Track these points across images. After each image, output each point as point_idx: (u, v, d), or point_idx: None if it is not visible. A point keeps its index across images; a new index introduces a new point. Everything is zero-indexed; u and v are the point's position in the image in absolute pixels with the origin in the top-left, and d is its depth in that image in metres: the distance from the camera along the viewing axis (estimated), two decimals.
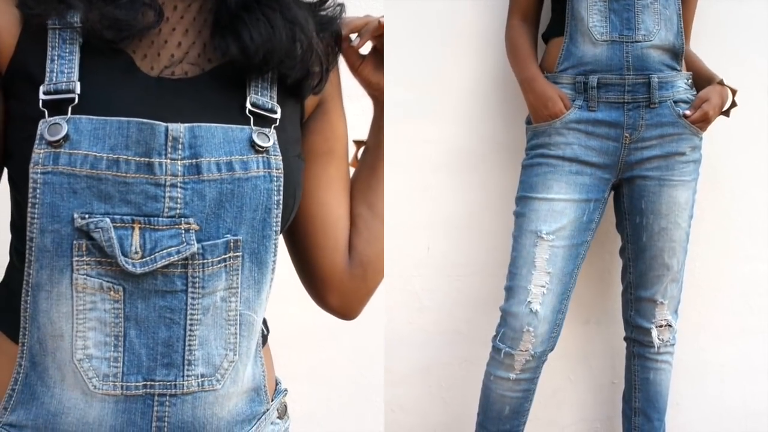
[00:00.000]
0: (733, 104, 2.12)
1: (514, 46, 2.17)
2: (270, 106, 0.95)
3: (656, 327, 2.18)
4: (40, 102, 0.86)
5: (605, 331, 2.39)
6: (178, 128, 0.87)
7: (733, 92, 2.11)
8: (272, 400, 1.05)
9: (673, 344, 2.21)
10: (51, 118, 0.85)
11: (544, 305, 2.02)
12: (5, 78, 0.89)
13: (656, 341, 2.17)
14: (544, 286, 2.02)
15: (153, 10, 0.90)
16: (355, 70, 1.16)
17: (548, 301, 2.03)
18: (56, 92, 0.86)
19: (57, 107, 0.86)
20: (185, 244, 0.87)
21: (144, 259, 0.86)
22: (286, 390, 1.11)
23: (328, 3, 1.07)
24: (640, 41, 2.04)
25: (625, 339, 2.27)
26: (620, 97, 2.05)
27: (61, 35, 0.88)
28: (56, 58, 0.87)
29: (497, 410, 2.11)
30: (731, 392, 2.46)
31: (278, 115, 0.96)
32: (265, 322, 1.09)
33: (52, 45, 0.88)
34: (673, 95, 2.06)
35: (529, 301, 2.02)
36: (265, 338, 1.08)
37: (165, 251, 0.87)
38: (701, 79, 2.14)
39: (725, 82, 2.09)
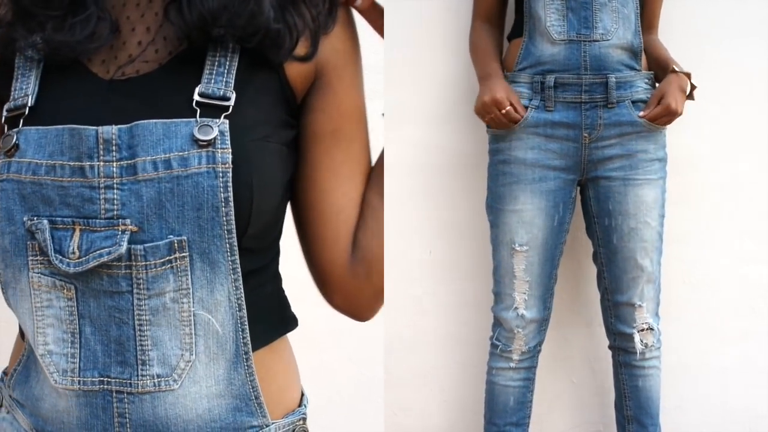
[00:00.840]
0: (693, 87, 2.08)
1: (475, 45, 2.17)
2: (221, 93, 0.91)
3: (638, 331, 2.15)
4: (3, 117, 0.93)
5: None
6: (110, 130, 0.88)
7: (688, 76, 2.07)
8: (282, 419, 1.02)
9: (659, 347, 2.19)
10: (8, 132, 0.91)
11: (529, 309, 2.12)
12: None
13: (639, 346, 2.15)
14: (525, 293, 2.11)
15: (106, 22, 0.92)
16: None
17: (532, 304, 2.12)
18: (15, 108, 0.92)
19: (15, 122, 0.92)
20: (116, 245, 0.87)
21: (79, 260, 0.87)
22: (304, 414, 1.05)
23: None
24: (598, 40, 2.03)
25: (610, 348, 2.25)
26: (577, 96, 2.04)
27: (24, 56, 0.94)
28: (19, 77, 0.93)
29: (502, 402, 2.19)
30: (733, 394, 2.46)
31: (231, 102, 0.91)
32: (283, 320, 1.09)
33: (18, 66, 0.94)
34: (631, 95, 2.06)
35: (515, 308, 2.12)
36: (268, 341, 1.02)
37: (98, 252, 0.87)
38: (659, 68, 2.13)
39: (678, 69, 2.06)
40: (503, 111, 2.00)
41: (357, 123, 1.03)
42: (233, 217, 0.89)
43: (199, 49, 0.93)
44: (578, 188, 2.15)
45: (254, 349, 0.96)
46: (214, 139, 0.88)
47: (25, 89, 0.93)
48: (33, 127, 0.90)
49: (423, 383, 2.37)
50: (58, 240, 0.88)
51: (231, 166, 0.88)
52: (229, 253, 0.90)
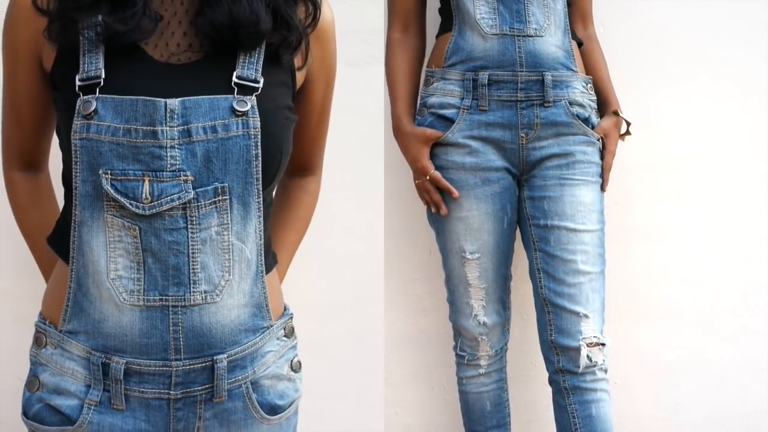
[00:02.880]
0: (627, 133, 2.07)
1: (390, 69, 2.04)
2: (253, 77, 1.17)
3: (586, 345, 1.90)
4: (77, 86, 1.12)
5: (604, 331, 2.40)
6: (174, 102, 1.12)
7: (628, 124, 2.06)
8: (278, 320, 1.29)
9: (606, 370, 1.94)
10: (85, 97, 1.12)
11: (489, 315, 2.05)
12: (52, 76, 1.18)
13: (584, 361, 1.89)
14: (482, 299, 2.04)
15: (150, 18, 1.14)
16: None
17: (492, 310, 2.05)
18: (87, 79, 1.13)
19: (88, 90, 1.13)
20: (184, 191, 1.13)
21: (152, 203, 1.12)
22: (292, 314, 1.34)
23: None
24: (531, 36, 1.93)
25: (550, 382, 1.99)
26: (513, 95, 1.94)
27: (88, 37, 1.14)
28: (86, 53, 1.14)
29: (479, 409, 2.15)
30: (732, 391, 2.47)
31: (260, 85, 1.17)
32: (274, 255, 1.32)
33: (83, 45, 1.14)
34: (567, 95, 1.97)
35: (475, 315, 2.05)
36: (270, 268, 1.28)
37: (169, 197, 1.12)
38: (599, 94, 2.07)
39: (619, 112, 2.05)
40: (429, 194, 1.98)
41: (319, 114, 1.41)
42: (261, 169, 1.16)
43: (230, 46, 1.18)
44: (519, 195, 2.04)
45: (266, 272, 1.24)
46: (248, 110, 1.15)
47: (96, 64, 1.13)
48: (109, 96, 1.11)
49: (423, 382, 2.38)
50: (131, 189, 1.11)
51: (260, 130, 1.15)
52: (257, 196, 1.17)
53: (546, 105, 1.95)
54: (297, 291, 1.93)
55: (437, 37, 2.07)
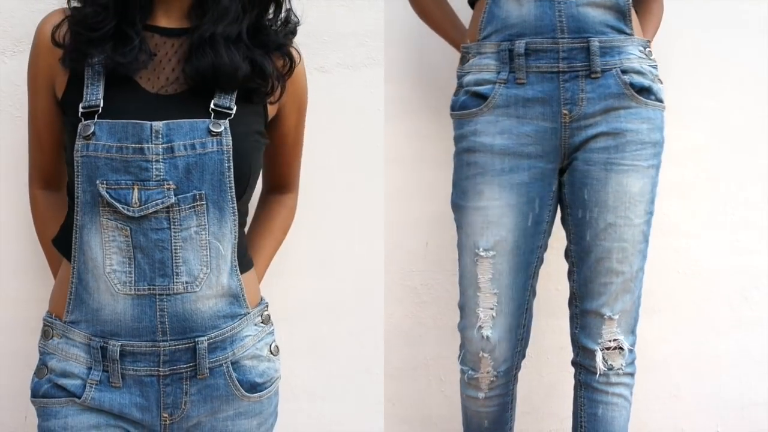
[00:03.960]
0: None
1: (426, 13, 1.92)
2: (227, 105, 1.38)
3: (602, 349, 1.81)
4: (80, 113, 1.34)
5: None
6: (158, 124, 1.32)
7: None
8: (254, 308, 1.48)
9: (632, 374, 1.86)
10: (85, 122, 1.33)
11: (495, 329, 1.80)
12: (63, 103, 1.40)
13: (600, 367, 1.81)
14: (492, 309, 1.79)
15: (145, 54, 1.36)
16: None
17: (500, 323, 1.80)
18: (89, 107, 1.35)
19: (89, 116, 1.34)
20: (167, 197, 1.33)
21: (141, 207, 1.32)
22: (267, 303, 1.53)
23: (281, 29, 1.48)
24: None
25: (572, 364, 1.94)
26: (554, 65, 1.72)
27: (92, 71, 1.36)
28: (89, 85, 1.36)
29: (477, 424, 1.96)
30: (729, 384, 2.47)
31: (233, 112, 1.38)
32: (248, 259, 1.53)
33: (87, 77, 1.36)
34: (620, 62, 1.73)
35: (479, 327, 1.81)
36: (246, 268, 1.48)
37: (154, 202, 1.33)
38: None
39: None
40: None
41: (293, 139, 1.62)
42: (233, 179, 1.36)
43: (209, 86, 1.39)
44: (560, 179, 1.84)
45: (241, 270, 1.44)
46: (222, 131, 1.36)
47: (96, 94, 1.35)
48: (105, 121, 1.33)
49: (422, 374, 2.39)
50: (123, 196, 1.32)
51: (231, 147, 1.36)
52: (230, 202, 1.37)
53: (593, 76, 1.72)
54: (296, 285, 1.93)
55: (472, 6, 1.91)
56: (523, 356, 1.89)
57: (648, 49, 1.79)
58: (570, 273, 1.87)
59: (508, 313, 1.80)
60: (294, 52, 1.49)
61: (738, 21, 2.35)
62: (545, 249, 1.84)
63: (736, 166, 2.40)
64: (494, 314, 1.79)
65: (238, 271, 1.42)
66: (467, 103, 1.80)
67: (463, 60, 1.84)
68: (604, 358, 1.82)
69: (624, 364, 1.83)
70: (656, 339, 2.44)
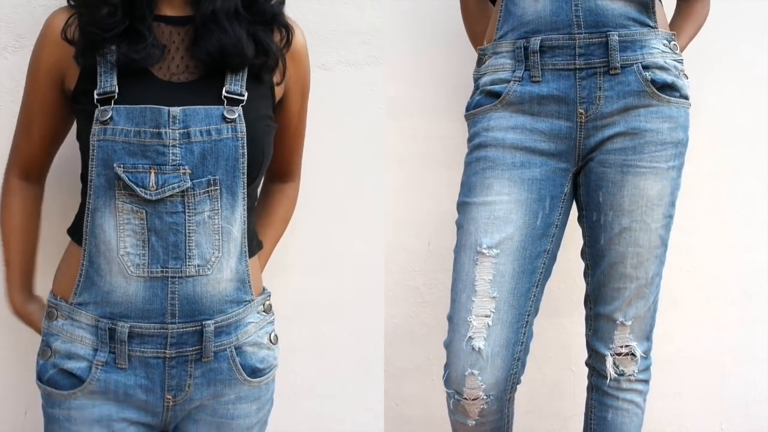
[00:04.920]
0: None
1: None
2: (239, 92, 1.41)
3: (613, 354, 1.75)
4: (95, 99, 1.37)
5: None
6: (176, 110, 1.36)
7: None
8: (258, 296, 1.51)
9: (645, 381, 1.81)
10: (102, 107, 1.36)
11: (490, 340, 1.61)
12: (75, 94, 1.42)
13: (610, 372, 1.74)
14: (488, 316, 1.62)
15: (158, 49, 1.39)
16: None
17: (496, 334, 1.62)
18: (104, 93, 1.37)
19: (105, 102, 1.36)
20: (183, 181, 1.36)
21: (158, 190, 1.35)
22: (269, 293, 1.56)
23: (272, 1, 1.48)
24: None
25: (586, 364, 1.88)
26: (570, 62, 1.64)
27: (105, 61, 1.38)
28: (103, 73, 1.38)
29: None
30: (731, 381, 2.47)
31: (245, 98, 1.41)
32: (259, 243, 1.57)
33: (100, 67, 1.38)
34: (642, 57, 1.64)
35: (470, 337, 1.62)
36: (253, 252, 1.51)
37: (170, 186, 1.36)
38: None
39: None
40: None
41: (296, 122, 1.63)
42: (246, 166, 1.40)
43: (220, 68, 1.42)
44: (572, 181, 1.76)
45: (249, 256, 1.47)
46: (236, 118, 1.38)
47: (111, 81, 1.37)
48: (122, 106, 1.35)
49: (423, 373, 2.38)
50: (141, 179, 1.35)
51: (245, 134, 1.39)
52: (243, 188, 1.41)
53: (612, 72, 1.63)
54: (297, 284, 1.93)
55: (493, 3, 1.86)
56: (519, 381, 1.70)
57: (673, 42, 1.70)
58: (586, 274, 1.81)
59: (506, 324, 1.63)
60: (291, 24, 1.51)
61: (740, 17, 2.35)
62: (553, 260, 1.72)
63: (739, 164, 2.39)
64: (490, 323, 1.61)
65: (248, 256, 1.46)
66: (481, 101, 1.74)
67: (480, 62, 1.78)
68: (615, 364, 1.76)
69: (636, 371, 1.77)
70: (660, 337, 2.42)
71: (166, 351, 1.40)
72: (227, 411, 1.49)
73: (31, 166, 1.56)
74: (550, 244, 1.70)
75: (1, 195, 1.57)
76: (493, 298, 1.62)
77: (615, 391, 1.79)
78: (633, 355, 1.75)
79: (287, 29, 1.50)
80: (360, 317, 2.03)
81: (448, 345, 1.69)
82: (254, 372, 1.49)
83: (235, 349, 1.46)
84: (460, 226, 1.72)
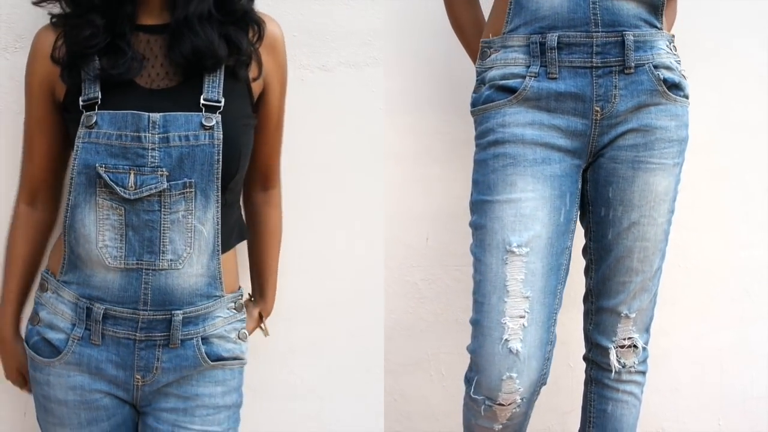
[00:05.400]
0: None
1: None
2: (216, 98, 1.49)
3: (616, 347, 1.78)
4: (81, 105, 1.48)
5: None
6: (155, 116, 1.45)
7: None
8: (229, 294, 1.58)
9: (643, 372, 1.85)
10: (88, 113, 1.47)
11: (526, 342, 1.61)
12: (65, 105, 1.53)
13: (614, 364, 1.78)
14: (523, 317, 1.62)
15: (137, 61, 1.49)
16: None
17: (532, 335, 1.62)
18: (89, 99, 1.48)
19: (90, 108, 1.47)
20: (160, 182, 1.46)
21: (136, 190, 1.45)
22: (242, 293, 1.64)
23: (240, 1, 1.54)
24: None
25: (584, 359, 1.92)
26: (587, 60, 1.65)
27: (89, 74, 1.49)
28: (87, 81, 1.49)
29: None
30: (730, 378, 2.48)
31: (221, 104, 1.49)
32: (230, 242, 1.61)
33: (84, 79, 1.49)
34: (652, 58, 1.67)
35: (506, 340, 1.61)
36: (225, 250, 1.58)
37: (148, 186, 1.45)
38: None
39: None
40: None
41: (276, 119, 1.67)
42: (221, 170, 1.48)
43: (197, 72, 1.50)
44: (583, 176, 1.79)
45: (222, 251, 1.56)
46: (213, 125, 1.47)
47: (94, 89, 1.48)
48: (106, 111, 1.46)
49: (423, 369, 2.39)
50: (120, 179, 1.45)
51: (222, 141, 1.48)
52: (216, 191, 1.49)
53: (627, 72, 1.65)
54: (296, 282, 1.93)
55: None
56: (545, 382, 1.72)
57: (673, 44, 1.74)
58: (587, 270, 1.83)
59: (540, 324, 1.63)
60: (263, 18, 1.57)
61: (740, 14, 2.34)
62: (570, 253, 1.73)
63: (738, 160, 2.39)
64: (525, 323, 1.61)
65: (219, 255, 1.54)
66: (492, 96, 1.71)
67: (484, 55, 1.76)
68: (617, 356, 1.78)
69: (636, 362, 1.80)
70: (657, 333, 2.43)
71: (137, 334, 1.51)
72: (192, 389, 1.58)
73: (37, 187, 1.64)
74: (571, 240, 1.72)
75: (12, 222, 1.67)
76: (527, 297, 1.62)
77: (615, 384, 1.82)
78: (635, 347, 1.78)
79: (258, 24, 1.56)
80: (359, 315, 2.03)
81: (476, 350, 1.67)
82: (219, 359, 1.58)
83: (202, 339, 1.55)
84: (481, 225, 1.69)
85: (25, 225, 1.65)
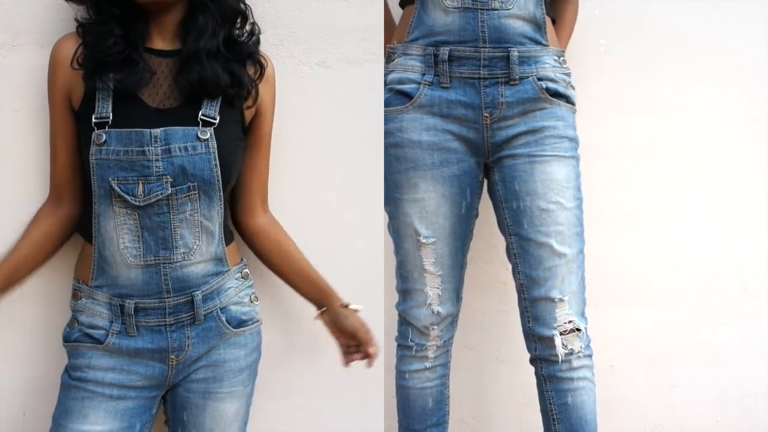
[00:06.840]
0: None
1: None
2: (212, 115, 1.65)
3: (560, 333, 1.89)
4: (93, 123, 1.60)
5: (602, 314, 2.40)
6: (156, 131, 1.61)
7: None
8: (234, 266, 1.76)
9: (589, 355, 1.93)
10: (99, 131, 1.60)
11: (443, 304, 2.01)
12: (78, 114, 1.65)
13: (560, 352, 1.89)
14: (438, 287, 1.99)
15: (148, 72, 1.62)
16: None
17: (446, 299, 2.00)
18: (100, 118, 1.61)
19: (101, 126, 1.60)
20: (165, 189, 1.61)
21: (145, 198, 1.61)
22: (246, 263, 1.80)
23: (248, 39, 1.71)
24: (497, 9, 1.83)
25: (531, 362, 2.02)
26: (475, 72, 1.85)
27: (103, 88, 1.61)
28: (101, 100, 1.62)
29: (420, 406, 2.11)
30: (729, 374, 2.49)
31: (216, 121, 1.65)
32: (231, 234, 1.79)
33: (98, 93, 1.62)
34: (537, 71, 1.87)
35: (429, 304, 2.01)
36: (230, 238, 1.76)
37: (155, 194, 1.61)
38: None
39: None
40: None
41: (267, 141, 1.79)
42: (220, 175, 1.65)
43: (199, 96, 1.65)
44: (483, 172, 1.99)
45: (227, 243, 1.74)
46: (208, 138, 1.63)
47: (107, 108, 1.61)
48: (114, 130, 1.60)
49: None
50: (131, 189, 1.60)
51: (217, 151, 1.63)
52: (218, 191, 1.65)
53: (512, 83, 1.86)
54: (296, 298, 1.93)
55: (401, 4, 2.02)
56: (455, 332, 2.09)
57: (562, 58, 1.92)
58: (514, 270, 1.96)
59: (451, 290, 2.00)
60: (263, 59, 1.72)
61: (737, 12, 2.35)
62: (473, 228, 2.01)
63: (736, 157, 2.40)
64: (440, 292, 1.98)
65: (224, 242, 1.73)
66: (391, 100, 1.94)
67: (389, 59, 1.97)
68: (563, 343, 1.89)
69: (582, 347, 1.90)
70: (656, 329, 2.45)
71: (166, 320, 1.69)
72: (219, 356, 1.75)
73: (61, 189, 1.74)
74: (473, 222, 1.99)
75: (32, 219, 1.76)
76: (439, 275, 1.97)
77: (569, 373, 1.92)
78: (578, 330, 1.89)
79: (260, 65, 1.72)
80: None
81: (406, 310, 2.05)
82: (240, 324, 1.77)
83: (220, 309, 1.74)
84: (394, 217, 2.01)
85: (45, 217, 1.74)
